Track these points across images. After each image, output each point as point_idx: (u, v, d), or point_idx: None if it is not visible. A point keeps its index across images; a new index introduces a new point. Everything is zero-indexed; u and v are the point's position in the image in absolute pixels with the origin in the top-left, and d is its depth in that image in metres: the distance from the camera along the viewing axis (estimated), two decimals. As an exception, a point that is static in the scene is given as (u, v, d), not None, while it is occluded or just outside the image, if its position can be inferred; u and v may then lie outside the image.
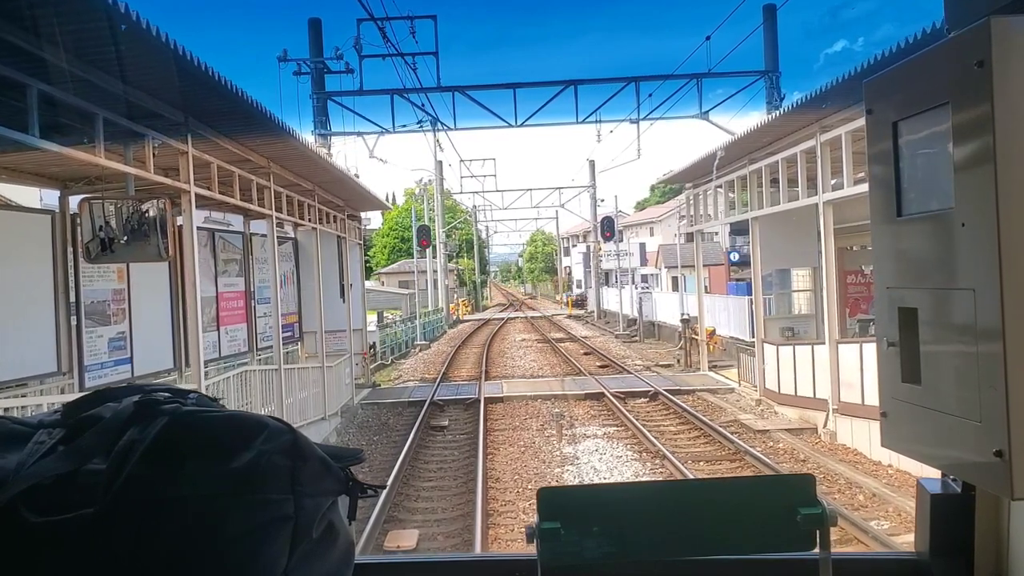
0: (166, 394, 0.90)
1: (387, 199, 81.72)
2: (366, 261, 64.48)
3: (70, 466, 0.82)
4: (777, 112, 16.80)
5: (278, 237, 18.59)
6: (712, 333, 21.72)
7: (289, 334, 19.42)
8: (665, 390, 17.60)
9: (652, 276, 47.77)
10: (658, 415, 15.88)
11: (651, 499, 1.20)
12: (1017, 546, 1.20)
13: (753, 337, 23.27)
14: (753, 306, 22.60)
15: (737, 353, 18.16)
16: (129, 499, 0.79)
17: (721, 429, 13.71)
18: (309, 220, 14.49)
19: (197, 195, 9.01)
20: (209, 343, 14.73)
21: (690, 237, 40.58)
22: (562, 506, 1.15)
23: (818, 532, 1.13)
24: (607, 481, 10.40)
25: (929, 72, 1.10)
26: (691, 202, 21.15)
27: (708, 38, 18.86)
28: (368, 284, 56.66)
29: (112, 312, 12.96)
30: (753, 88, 21.94)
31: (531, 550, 1.15)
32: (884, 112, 1.19)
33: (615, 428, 14.61)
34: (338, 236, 17.71)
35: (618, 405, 16.22)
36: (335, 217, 16.95)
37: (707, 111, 22.00)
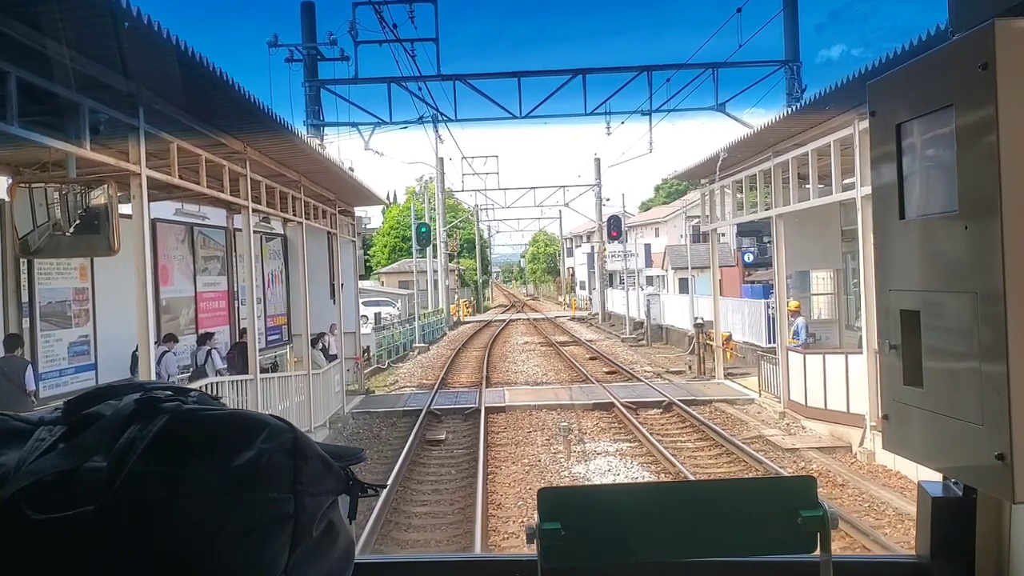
0: (167, 392, 0.89)
1: (388, 198, 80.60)
2: (366, 260, 63.58)
3: (71, 463, 0.81)
4: (800, 103, 15.64)
5: (266, 234, 17.38)
6: (728, 339, 20.43)
7: (277, 336, 18.22)
8: (679, 400, 16.33)
9: (658, 278, 46.58)
10: (674, 429, 14.61)
11: (652, 500, 1.20)
12: (1018, 549, 1.20)
13: (770, 343, 22.10)
14: (774, 310, 21.43)
15: (758, 361, 16.84)
16: (130, 497, 0.78)
17: (744, 446, 12.45)
18: (294, 214, 13.21)
19: (152, 180, 7.74)
20: (183, 348, 13.50)
21: (697, 237, 39.43)
22: (563, 507, 1.15)
23: (819, 535, 1.13)
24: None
25: (933, 74, 1.09)
26: (706, 199, 19.89)
27: (739, 11, 17.46)
28: (368, 284, 55.66)
29: (74, 314, 11.72)
30: (771, 80, 20.76)
31: (531, 550, 1.14)
32: (888, 114, 1.18)
33: (628, 444, 13.34)
34: (328, 232, 16.43)
35: (629, 417, 14.96)
36: (325, 212, 15.66)
37: (723, 103, 20.80)
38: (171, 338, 12.75)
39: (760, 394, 16.59)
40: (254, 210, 11.04)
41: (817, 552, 1.13)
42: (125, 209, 9.80)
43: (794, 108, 15.27)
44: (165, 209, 13.98)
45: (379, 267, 65.10)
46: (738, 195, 18.56)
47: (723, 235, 55.60)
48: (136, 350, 11.65)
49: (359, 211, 25.91)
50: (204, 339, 13.00)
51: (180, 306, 14.32)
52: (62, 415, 0.89)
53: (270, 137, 10.43)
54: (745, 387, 17.83)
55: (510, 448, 13.28)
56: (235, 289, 16.21)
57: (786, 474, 10.66)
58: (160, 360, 12.38)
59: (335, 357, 17.32)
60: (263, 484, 0.80)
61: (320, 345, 16.62)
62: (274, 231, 16.76)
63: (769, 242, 21.09)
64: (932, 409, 1.09)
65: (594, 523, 1.14)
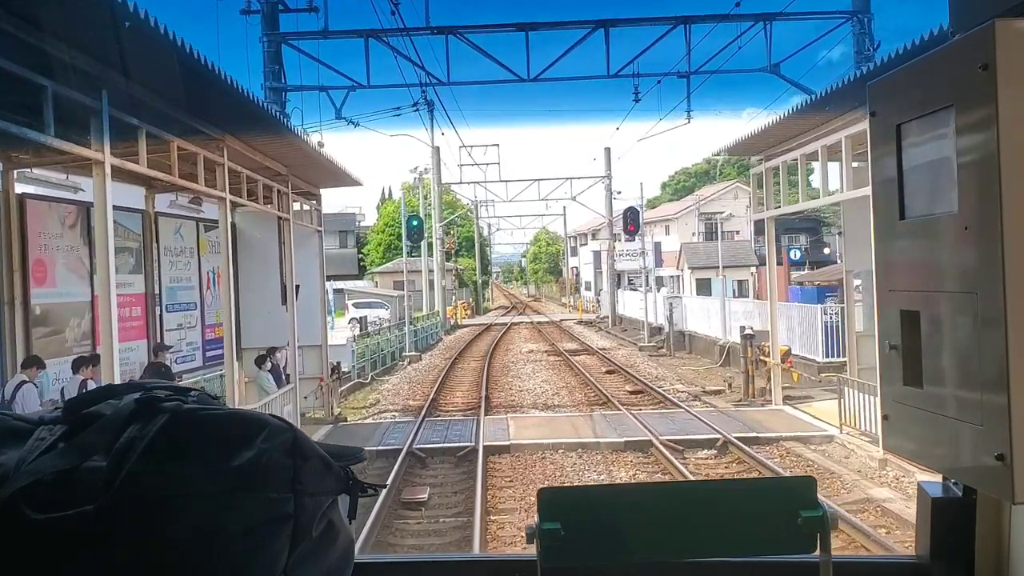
0: (167, 392, 0.88)
1: (384, 195, 76.21)
2: (360, 260, 59.62)
3: (71, 463, 0.81)
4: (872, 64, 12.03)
5: (203, 220, 13.56)
6: (787, 353, 16.56)
7: (218, 351, 14.37)
8: (736, 437, 12.51)
9: (671, 278, 42.86)
10: (740, 483, 10.76)
11: (652, 500, 1.19)
12: (1018, 550, 1.20)
13: (828, 357, 18.35)
14: (831, 317, 17.69)
15: (839, 384, 12.97)
16: (129, 496, 0.78)
17: (857, 522, 8.62)
18: (214, 187, 9.37)
19: None
20: (64, 377, 9.70)
21: (709, 235, 35.74)
22: (563, 507, 1.14)
23: (819, 535, 1.13)
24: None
25: (933, 75, 1.09)
26: (756, 180, 16.09)
27: None
28: (361, 284, 51.72)
29: None
30: (834, 36, 17.03)
31: (531, 550, 1.14)
32: (888, 114, 1.18)
33: (683, 510, 9.51)
34: (279, 217, 12.56)
35: (677, 465, 11.14)
36: (270, 190, 11.79)
37: (777, 64, 17.04)
38: (34, 363, 8.95)
39: (841, 429, 12.73)
40: (121, 171, 7.22)
41: (817, 552, 1.13)
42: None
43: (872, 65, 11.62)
44: (37, 182, 10.18)
45: (373, 266, 61.21)
46: (802, 174, 14.81)
47: (737, 232, 51.61)
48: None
49: (352, 207, 22.06)
50: (79, 365, 9.17)
51: (66, 315, 10.49)
52: (62, 414, 0.88)
53: (146, 54, 6.59)
54: (816, 417, 13.99)
55: (518, 517, 9.44)
56: (157, 292, 12.40)
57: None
58: (15, 394, 8.62)
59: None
60: (263, 484, 0.79)
61: (268, 364, 12.81)
62: (204, 216, 12.91)
63: (831, 231, 17.37)
64: (932, 409, 1.08)
65: (594, 523, 1.14)
